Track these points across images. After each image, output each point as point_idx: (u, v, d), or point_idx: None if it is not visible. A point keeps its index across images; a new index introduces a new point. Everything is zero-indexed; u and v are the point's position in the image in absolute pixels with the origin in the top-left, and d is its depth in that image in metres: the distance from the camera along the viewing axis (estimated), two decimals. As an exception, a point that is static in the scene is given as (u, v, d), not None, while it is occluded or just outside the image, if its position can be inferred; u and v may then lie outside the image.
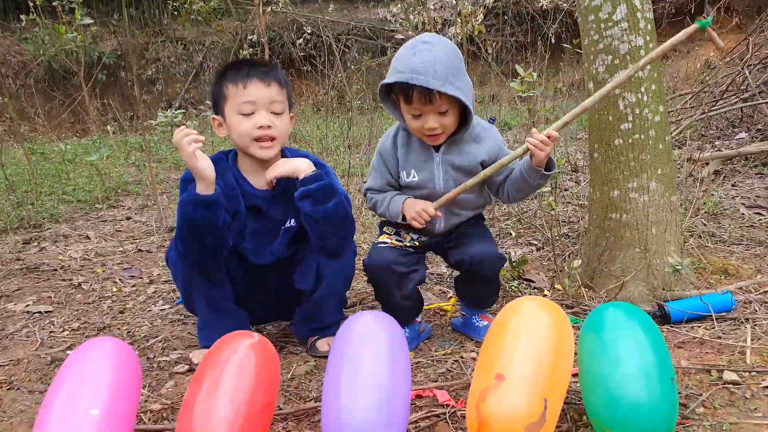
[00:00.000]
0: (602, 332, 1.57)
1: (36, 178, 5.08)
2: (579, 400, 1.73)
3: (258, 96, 2.04)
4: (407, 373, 1.55)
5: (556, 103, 5.79)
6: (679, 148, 4.18)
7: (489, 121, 2.20)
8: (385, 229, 2.25)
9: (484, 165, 2.12)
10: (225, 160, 2.17)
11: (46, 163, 6.12)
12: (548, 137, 1.91)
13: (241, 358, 1.56)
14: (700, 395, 1.73)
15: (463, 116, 2.05)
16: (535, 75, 2.74)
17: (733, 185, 3.82)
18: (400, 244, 2.18)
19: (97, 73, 9.15)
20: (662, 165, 2.41)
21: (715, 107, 4.97)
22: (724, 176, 4.01)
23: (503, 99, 7.97)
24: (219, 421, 1.43)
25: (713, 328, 2.16)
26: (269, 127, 2.04)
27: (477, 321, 2.24)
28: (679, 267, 2.26)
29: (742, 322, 2.19)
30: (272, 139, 2.06)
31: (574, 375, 1.78)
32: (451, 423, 1.70)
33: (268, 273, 2.20)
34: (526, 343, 1.50)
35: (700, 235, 2.97)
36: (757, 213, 3.38)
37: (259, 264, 2.17)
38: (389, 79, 2.00)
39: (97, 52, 9.61)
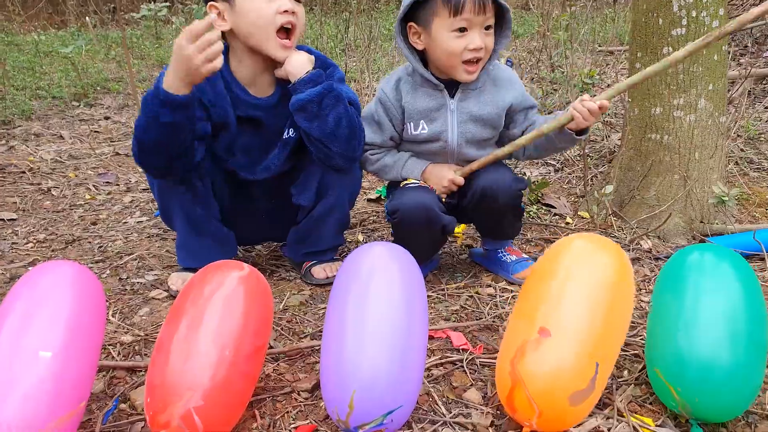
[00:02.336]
0: (686, 278, 1.27)
1: (8, 71, 4.67)
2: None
3: None
4: (424, 317, 1.30)
5: (573, 11, 5.34)
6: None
7: (507, 64, 1.93)
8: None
9: (510, 111, 1.85)
10: None
11: (20, 55, 5.67)
12: (600, 108, 1.64)
13: (228, 293, 1.29)
14: None
15: None
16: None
17: (766, 107, 3.51)
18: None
19: (75, -42, 8.50)
20: (714, 80, 2.10)
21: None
22: (755, 97, 3.69)
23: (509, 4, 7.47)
24: (200, 366, 1.18)
25: (764, 269, 1.90)
26: (293, 13, 1.69)
27: (504, 255, 1.96)
28: (725, 198, 1.99)
29: (797, 263, 1.93)
30: (292, 28, 1.71)
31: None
32: (470, 372, 1.46)
33: (260, 188, 1.91)
34: (578, 292, 1.23)
35: (737, 162, 2.69)
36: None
37: (252, 179, 1.87)
38: None
39: (74, -64, 8.92)
